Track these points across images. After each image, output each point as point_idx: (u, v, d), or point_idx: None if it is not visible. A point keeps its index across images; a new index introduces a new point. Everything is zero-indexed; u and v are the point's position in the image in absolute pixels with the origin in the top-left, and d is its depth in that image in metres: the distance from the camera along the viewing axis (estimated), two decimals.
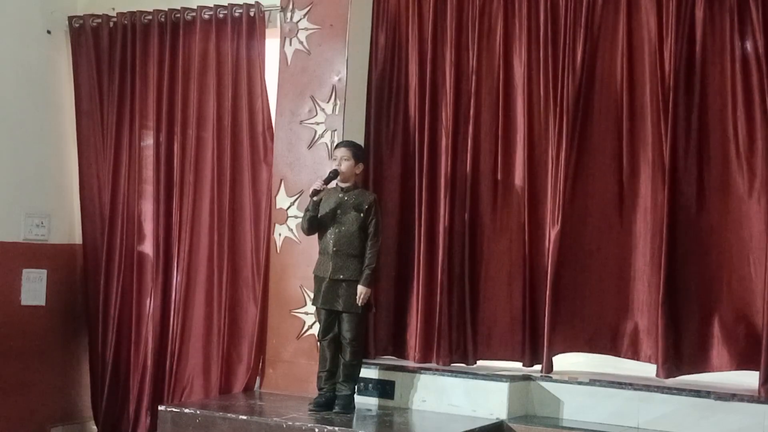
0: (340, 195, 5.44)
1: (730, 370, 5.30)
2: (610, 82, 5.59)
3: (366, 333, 5.73)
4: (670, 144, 5.30)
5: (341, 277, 5.34)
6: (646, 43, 5.49)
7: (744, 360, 5.26)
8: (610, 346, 5.55)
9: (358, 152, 5.50)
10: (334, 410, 5.31)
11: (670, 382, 5.28)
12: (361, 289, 5.32)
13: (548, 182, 5.61)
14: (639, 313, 5.46)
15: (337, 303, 5.35)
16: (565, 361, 5.64)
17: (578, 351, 5.64)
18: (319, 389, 5.41)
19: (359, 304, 5.33)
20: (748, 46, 5.29)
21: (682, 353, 5.31)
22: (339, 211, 5.40)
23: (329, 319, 5.39)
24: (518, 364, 5.72)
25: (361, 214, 5.39)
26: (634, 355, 5.48)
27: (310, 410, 5.31)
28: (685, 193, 5.35)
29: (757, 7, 5.21)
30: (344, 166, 5.43)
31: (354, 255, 5.35)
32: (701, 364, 5.33)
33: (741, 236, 5.29)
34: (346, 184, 5.45)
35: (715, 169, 5.35)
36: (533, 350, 5.64)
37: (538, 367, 5.59)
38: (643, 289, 5.45)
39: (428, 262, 5.84)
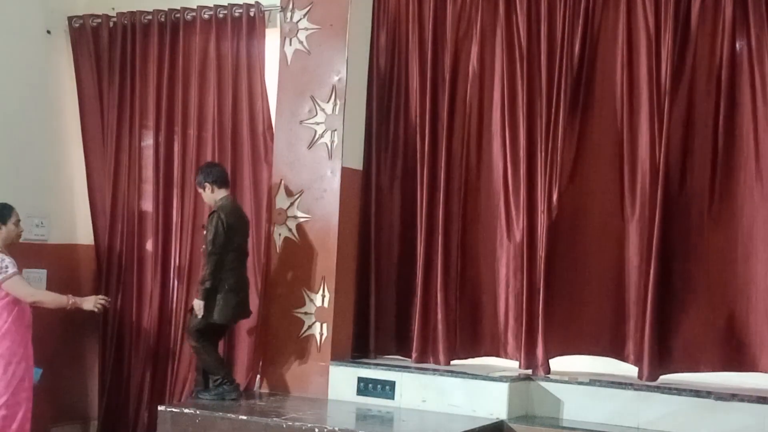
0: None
1: (719, 371, 5.31)
2: (608, 78, 5.58)
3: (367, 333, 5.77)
4: (664, 143, 5.29)
5: None
6: (644, 37, 5.48)
7: (734, 362, 5.27)
8: (610, 348, 5.53)
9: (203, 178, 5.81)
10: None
11: (671, 382, 5.29)
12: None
13: (547, 181, 5.59)
14: (631, 314, 5.45)
15: None
16: (565, 361, 5.64)
17: (576, 353, 5.63)
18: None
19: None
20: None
21: (668, 354, 5.32)
22: None
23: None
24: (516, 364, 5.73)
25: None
26: (627, 357, 5.47)
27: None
28: (681, 193, 5.35)
29: None
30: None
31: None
32: (688, 366, 5.34)
33: (738, 236, 5.28)
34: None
35: (714, 170, 5.33)
36: (530, 351, 5.61)
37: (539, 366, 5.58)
38: (635, 290, 5.43)
39: (427, 262, 5.84)
